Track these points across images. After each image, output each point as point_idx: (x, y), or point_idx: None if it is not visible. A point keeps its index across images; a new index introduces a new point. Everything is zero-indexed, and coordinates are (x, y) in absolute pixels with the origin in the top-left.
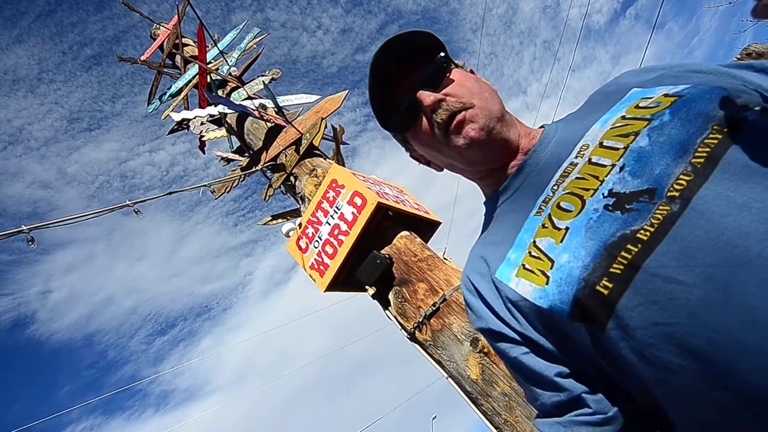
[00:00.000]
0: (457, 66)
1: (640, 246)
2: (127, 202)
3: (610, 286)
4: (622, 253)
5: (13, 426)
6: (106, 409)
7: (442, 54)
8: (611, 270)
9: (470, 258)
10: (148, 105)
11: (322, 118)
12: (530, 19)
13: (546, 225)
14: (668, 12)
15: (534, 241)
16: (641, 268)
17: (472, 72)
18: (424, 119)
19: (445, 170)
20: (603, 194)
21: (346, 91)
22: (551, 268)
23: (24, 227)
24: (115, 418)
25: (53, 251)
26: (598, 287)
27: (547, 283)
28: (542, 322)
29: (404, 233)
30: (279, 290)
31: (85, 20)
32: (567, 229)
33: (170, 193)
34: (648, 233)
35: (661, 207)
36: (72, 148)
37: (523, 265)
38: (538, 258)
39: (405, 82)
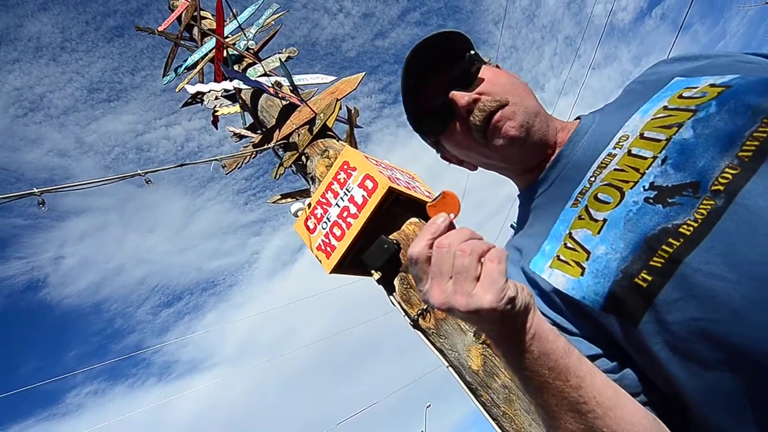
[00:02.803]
0: (484, 63)
1: (682, 240)
2: (139, 171)
3: (650, 278)
4: (663, 247)
5: (20, 385)
6: (110, 375)
7: (472, 52)
8: (651, 263)
9: (505, 249)
10: (163, 77)
11: (337, 99)
12: (553, 14)
13: (582, 216)
14: (695, 13)
15: (570, 233)
16: (683, 263)
17: (497, 67)
18: (459, 121)
19: (475, 168)
20: (644, 187)
21: (363, 73)
22: (587, 260)
23: (36, 189)
24: (119, 384)
25: (67, 218)
26: (636, 279)
27: (582, 275)
28: (573, 312)
29: (414, 220)
30: (285, 271)
31: None
32: (605, 220)
33: (182, 165)
34: (691, 228)
35: (705, 201)
36: (90, 118)
37: (558, 257)
38: (574, 249)
39: (437, 84)
